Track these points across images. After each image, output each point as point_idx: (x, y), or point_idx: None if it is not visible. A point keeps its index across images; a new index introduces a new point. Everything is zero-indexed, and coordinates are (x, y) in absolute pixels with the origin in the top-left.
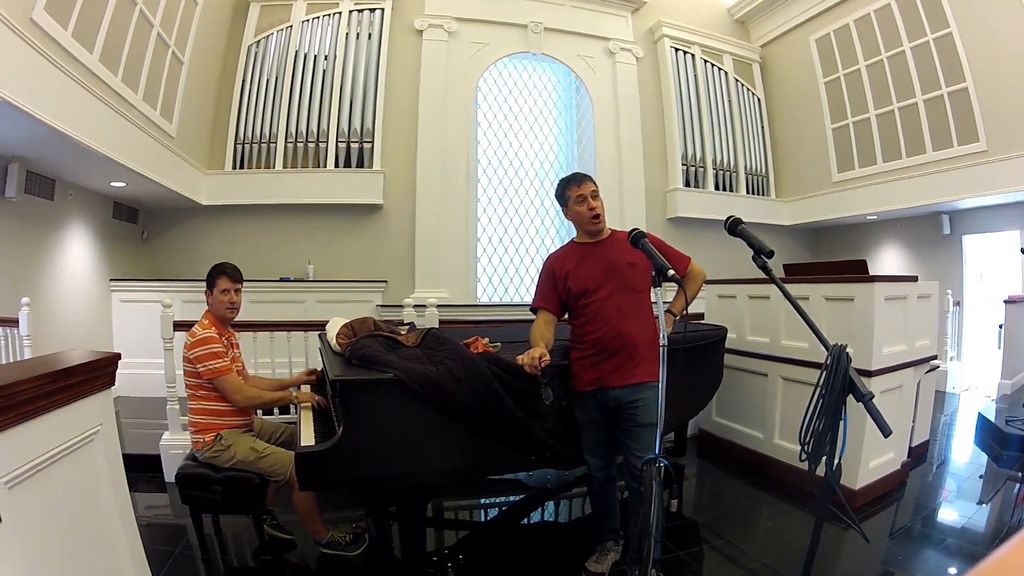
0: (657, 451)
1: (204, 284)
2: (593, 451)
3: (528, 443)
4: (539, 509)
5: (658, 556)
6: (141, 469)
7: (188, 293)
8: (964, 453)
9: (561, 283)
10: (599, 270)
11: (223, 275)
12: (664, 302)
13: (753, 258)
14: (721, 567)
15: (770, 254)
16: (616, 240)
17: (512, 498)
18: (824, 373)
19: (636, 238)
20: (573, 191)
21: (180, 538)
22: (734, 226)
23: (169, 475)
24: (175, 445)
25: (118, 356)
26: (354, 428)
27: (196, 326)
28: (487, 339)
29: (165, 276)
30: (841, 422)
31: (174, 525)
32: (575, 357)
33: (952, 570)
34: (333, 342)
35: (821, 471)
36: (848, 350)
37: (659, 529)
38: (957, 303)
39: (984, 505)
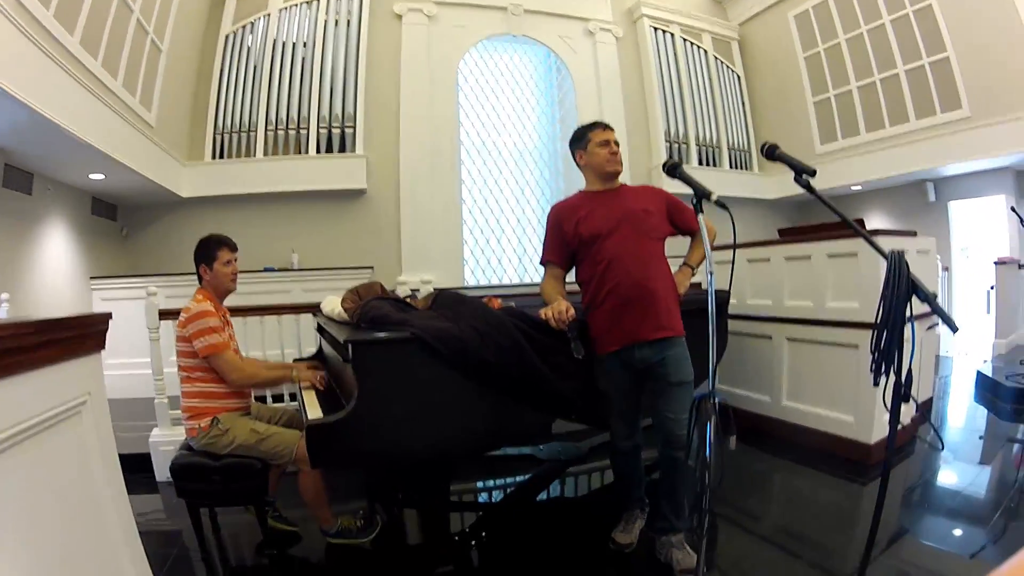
0: (711, 387)
1: (188, 276)
2: (620, 418)
3: (554, 401)
4: (555, 483)
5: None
6: (131, 470)
7: (172, 288)
8: (964, 411)
9: (571, 232)
10: (614, 216)
11: (223, 246)
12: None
13: (795, 179)
14: (735, 536)
15: (812, 172)
16: (629, 190)
17: (525, 476)
18: (886, 278)
19: (672, 168)
20: (597, 134)
21: (176, 539)
22: (772, 151)
23: (160, 474)
24: (166, 442)
25: (109, 315)
26: (370, 394)
27: (190, 302)
28: (500, 299)
29: (147, 272)
30: (908, 325)
31: (169, 526)
32: (593, 316)
33: (957, 531)
34: (334, 314)
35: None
36: (847, 303)
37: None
38: (946, 268)
39: (986, 466)
